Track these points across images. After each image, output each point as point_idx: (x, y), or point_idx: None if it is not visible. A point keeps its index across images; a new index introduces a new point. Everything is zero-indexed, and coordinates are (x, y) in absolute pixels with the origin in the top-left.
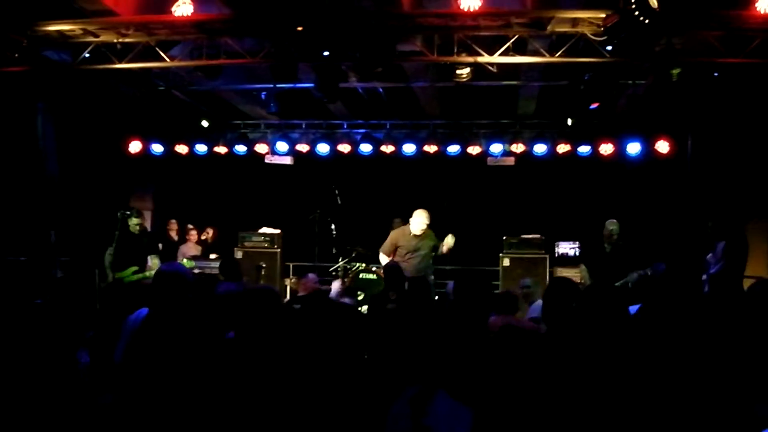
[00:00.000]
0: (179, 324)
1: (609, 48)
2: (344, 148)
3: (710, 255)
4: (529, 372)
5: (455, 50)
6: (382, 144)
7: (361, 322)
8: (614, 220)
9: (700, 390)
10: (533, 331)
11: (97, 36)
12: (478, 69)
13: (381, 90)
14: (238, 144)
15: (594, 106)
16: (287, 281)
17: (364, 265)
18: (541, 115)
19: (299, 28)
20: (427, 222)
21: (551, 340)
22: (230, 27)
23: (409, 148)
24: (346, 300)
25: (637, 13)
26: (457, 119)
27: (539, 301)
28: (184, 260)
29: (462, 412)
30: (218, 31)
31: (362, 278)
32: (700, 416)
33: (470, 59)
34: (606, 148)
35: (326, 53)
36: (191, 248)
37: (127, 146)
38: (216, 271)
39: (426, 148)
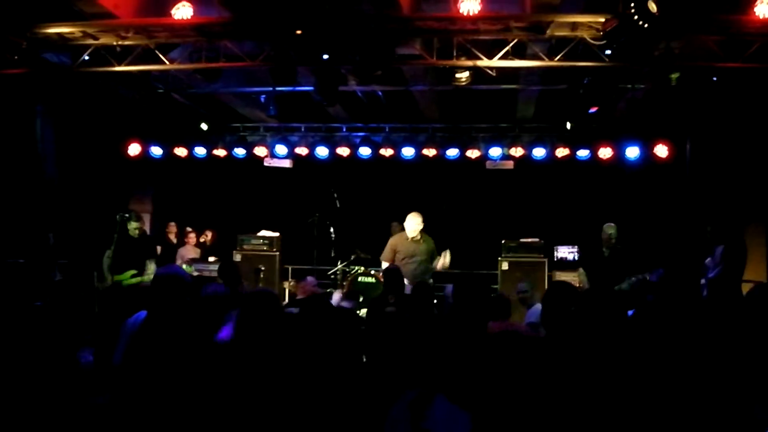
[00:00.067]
0: (178, 326)
1: (608, 52)
2: (343, 151)
3: (709, 259)
4: (527, 376)
5: (454, 54)
6: (381, 147)
7: (359, 326)
8: (612, 224)
9: (699, 393)
10: (530, 336)
11: (96, 38)
12: (477, 73)
13: (380, 93)
14: (237, 147)
15: (593, 110)
16: (286, 284)
17: (362, 268)
18: (540, 119)
19: (299, 32)
20: (421, 224)
21: (550, 345)
22: (230, 30)
23: (408, 152)
24: (345, 304)
25: (636, 17)
26: (456, 123)
27: (537, 305)
28: (184, 266)
29: (461, 416)
30: (218, 34)
31: (361, 281)
32: (700, 419)
33: (469, 63)
34: (605, 152)
35: (326, 56)
36: (190, 251)
37: (127, 149)
38: (215, 274)
39: (425, 151)
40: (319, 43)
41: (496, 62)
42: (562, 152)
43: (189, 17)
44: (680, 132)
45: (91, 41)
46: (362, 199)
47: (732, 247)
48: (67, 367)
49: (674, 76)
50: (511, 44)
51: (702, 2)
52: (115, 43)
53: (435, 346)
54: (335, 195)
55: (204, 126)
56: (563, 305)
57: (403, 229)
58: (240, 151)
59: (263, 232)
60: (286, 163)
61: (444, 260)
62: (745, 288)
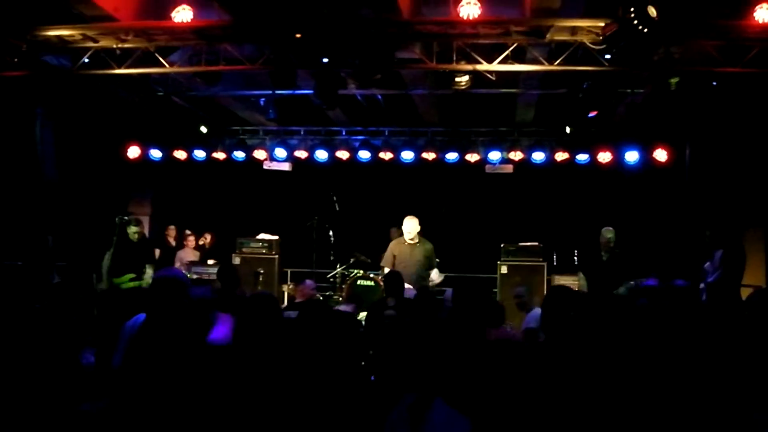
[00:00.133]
0: (177, 329)
1: (608, 57)
2: (342, 154)
3: (708, 264)
4: (526, 381)
5: (454, 58)
6: (381, 151)
7: (358, 329)
8: (610, 228)
9: (699, 398)
10: (525, 342)
11: (96, 41)
12: (476, 77)
13: (380, 97)
14: (237, 150)
15: (592, 114)
16: (285, 287)
17: (362, 271)
18: (540, 123)
19: (298, 35)
20: (417, 226)
21: (550, 349)
22: (230, 33)
23: (407, 155)
24: (345, 307)
25: (636, 22)
26: (455, 126)
27: (536, 310)
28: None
29: (459, 420)
30: (217, 38)
31: (360, 285)
32: (700, 424)
33: (469, 67)
34: (604, 156)
35: (325, 60)
36: (189, 254)
37: (126, 151)
38: (214, 277)
39: (424, 155)
40: (319, 46)
41: (495, 66)
42: (561, 156)
43: (189, 20)
44: (679, 136)
45: (91, 44)
46: (361, 202)
47: (731, 252)
48: (66, 369)
49: (674, 80)
50: (511, 48)
51: (701, 7)
52: (115, 46)
53: (434, 350)
54: (334, 198)
55: (203, 129)
56: (563, 310)
57: (401, 234)
58: (239, 154)
59: (262, 235)
60: (286, 167)
61: (433, 279)
62: (744, 292)
